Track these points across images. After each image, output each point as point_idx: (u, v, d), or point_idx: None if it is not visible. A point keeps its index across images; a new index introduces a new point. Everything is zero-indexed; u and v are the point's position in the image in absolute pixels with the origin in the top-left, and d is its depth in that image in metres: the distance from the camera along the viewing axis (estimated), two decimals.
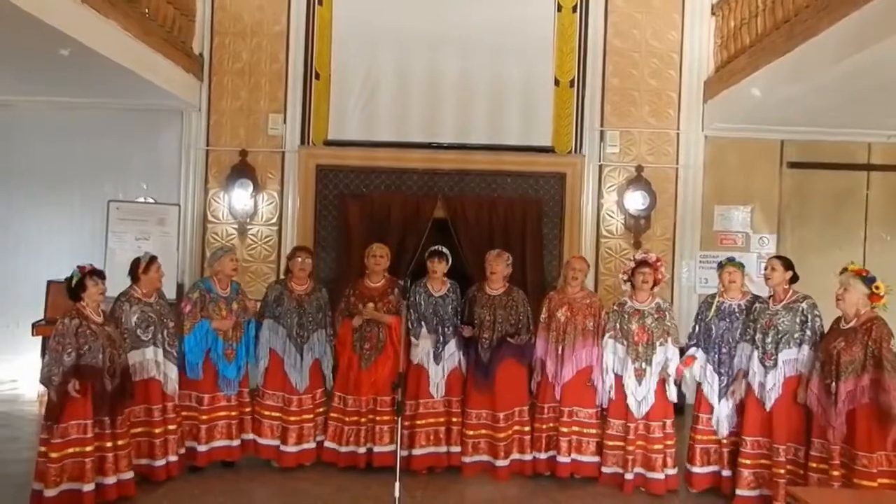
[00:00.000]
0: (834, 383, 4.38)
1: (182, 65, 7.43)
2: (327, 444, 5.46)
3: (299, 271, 5.46)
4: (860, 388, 4.32)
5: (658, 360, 5.10)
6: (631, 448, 5.13)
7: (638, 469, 5.15)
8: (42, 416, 4.60)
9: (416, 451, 5.35)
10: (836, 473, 4.39)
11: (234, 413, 5.33)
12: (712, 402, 5.06)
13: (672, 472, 5.16)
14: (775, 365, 4.75)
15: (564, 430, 5.27)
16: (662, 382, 5.14)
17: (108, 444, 4.54)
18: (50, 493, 4.33)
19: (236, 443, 5.36)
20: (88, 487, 4.42)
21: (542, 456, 5.37)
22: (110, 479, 4.56)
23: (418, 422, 5.36)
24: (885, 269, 4.63)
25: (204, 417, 5.24)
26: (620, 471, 5.18)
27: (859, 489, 4.25)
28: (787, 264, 4.93)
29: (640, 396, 5.10)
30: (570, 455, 5.28)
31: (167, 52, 7.06)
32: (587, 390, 5.28)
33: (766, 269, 5.00)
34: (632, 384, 5.12)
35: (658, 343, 5.11)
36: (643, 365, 5.10)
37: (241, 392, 5.40)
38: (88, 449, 4.43)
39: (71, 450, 4.39)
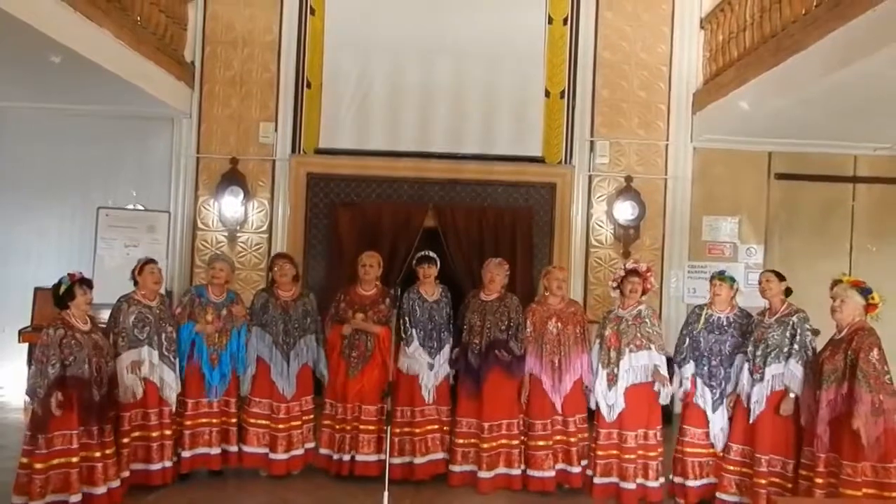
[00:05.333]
0: (818, 392, 4.43)
1: (174, 72, 7.44)
2: (322, 450, 5.46)
3: (280, 278, 5.48)
4: (840, 397, 4.33)
5: (626, 367, 5.07)
6: (602, 454, 5.14)
7: (613, 478, 5.14)
8: (27, 426, 4.55)
9: (418, 460, 5.32)
10: (819, 481, 4.40)
11: (215, 420, 5.30)
12: (708, 415, 5.03)
13: (654, 483, 5.13)
14: (762, 378, 4.77)
15: (573, 439, 5.26)
16: (646, 391, 5.11)
17: (97, 454, 4.51)
18: None
19: (216, 451, 5.31)
20: (75, 498, 4.39)
21: (551, 473, 5.23)
22: (100, 489, 4.52)
23: (416, 430, 5.34)
24: (870, 279, 4.64)
25: (188, 423, 5.25)
26: (599, 479, 5.18)
27: (842, 498, 4.27)
28: (780, 277, 4.95)
29: (611, 401, 5.11)
30: (579, 465, 5.26)
31: (159, 59, 7.07)
32: (581, 397, 5.30)
33: (760, 282, 5.02)
34: (603, 389, 5.14)
35: (628, 349, 5.09)
36: (614, 370, 5.11)
37: (227, 401, 5.36)
38: (74, 460, 4.40)
39: (56, 461, 4.36)
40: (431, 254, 5.57)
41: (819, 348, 4.74)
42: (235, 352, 5.33)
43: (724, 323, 5.09)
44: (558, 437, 5.28)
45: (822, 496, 4.36)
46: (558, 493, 5.30)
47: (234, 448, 5.39)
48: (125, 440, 4.86)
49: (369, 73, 7.87)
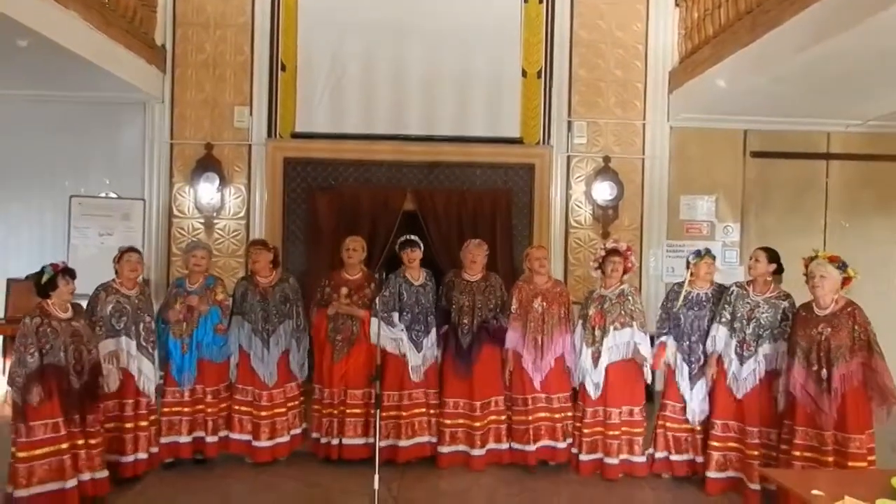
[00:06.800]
0: (824, 370, 4.45)
1: (144, 56, 7.29)
2: (315, 434, 5.46)
3: (253, 264, 5.49)
4: (849, 372, 4.41)
5: (610, 345, 5.14)
6: (587, 431, 5.21)
7: (598, 454, 5.22)
8: (10, 417, 4.49)
9: (403, 443, 5.34)
10: (829, 459, 4.43)
11: (187, 409, 5.26)
12: (683, 391, 5.11)
13: (639, 458, 5.22)
14: (753, 356, 4.85)
15: (544, 415, 5.31)
16: (629, 369, 5.19)
17: (80, 442, 4.46)
18: (20, 493, 4.24)
19: (186, 439, 5.28)
20: (71, 484, 4.35)
21: (532, 447, 5.31)
22: (84, 476, 4.47)
23: (403, 413, 5.34)
24: (843, 255, 4.72)
25: (164, 410, 5.25)
26: (586, 455, 5.25)
27: (833, 469, 4.33)
28: (772, 257, 4.97)
29: (596, 379, 5.17)
30: (565, 441, 5.33)
31: (129, 43, 6.92)
32: (564, 376, 5.35)
33: (750, 258, 5.07)
34: (588, 368, 5.19)
35: (612, 326, 5.15)
36: (598, 348, 5.17)
37: (204, 390, 5.30)
38: (64, 447, 4.35)
39: (40, 450, 4.29)
40: (414, 237, 5.55)
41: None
42: (202, 338, 5.26)
43: (704, 299, 5.17)
44: (543, 414, 5.33)
45: (815, 469, 4.41)
46: (543, 468, 5.36)
47: (212, 438, 5.33)
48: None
49: (344, 55, 7.77)
